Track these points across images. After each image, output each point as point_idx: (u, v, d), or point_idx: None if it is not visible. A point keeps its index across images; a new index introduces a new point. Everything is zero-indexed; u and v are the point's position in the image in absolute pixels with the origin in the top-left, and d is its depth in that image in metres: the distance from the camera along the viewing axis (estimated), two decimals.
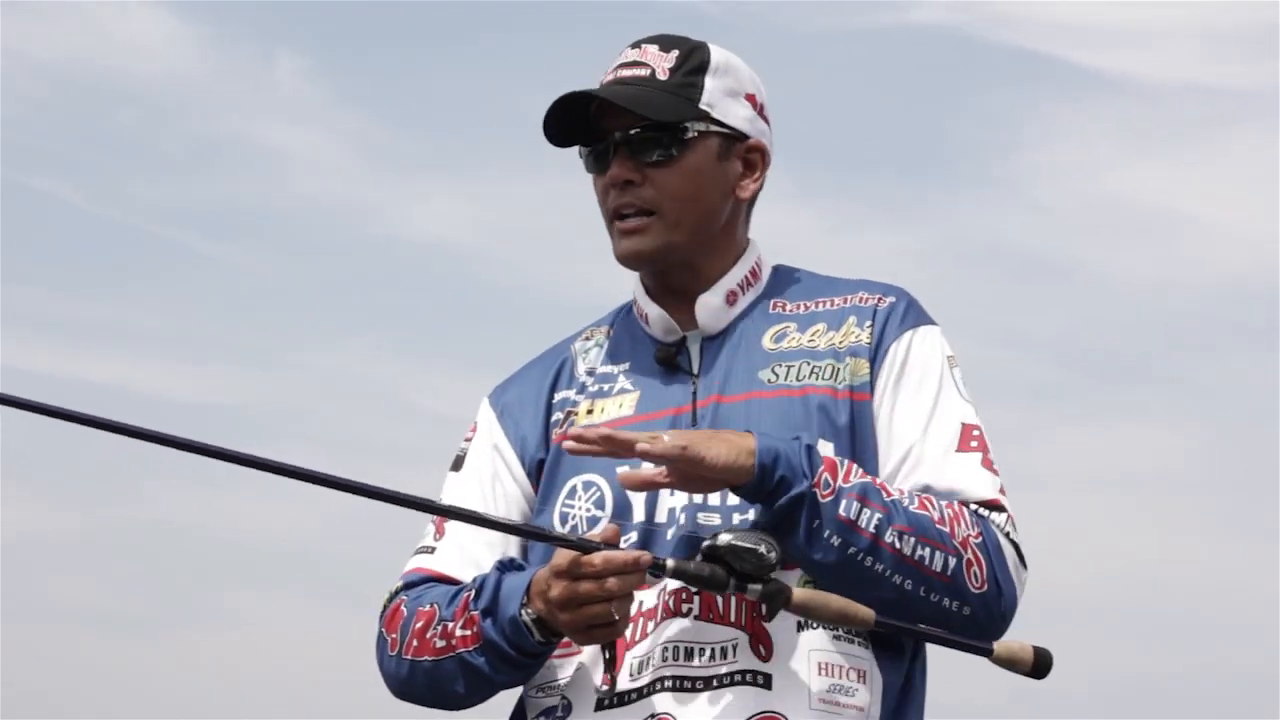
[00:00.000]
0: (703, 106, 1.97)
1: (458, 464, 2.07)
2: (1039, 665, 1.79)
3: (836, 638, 1.83)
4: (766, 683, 1.80)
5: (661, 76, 1.98)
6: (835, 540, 1.77)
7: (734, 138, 2.00)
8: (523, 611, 1.78)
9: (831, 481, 1.77)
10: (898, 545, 1.78)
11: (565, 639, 1.82)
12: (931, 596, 1.80)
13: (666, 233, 1.96)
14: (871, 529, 1.78)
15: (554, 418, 2.01)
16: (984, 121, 7.02)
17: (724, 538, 1.74)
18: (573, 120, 1.97)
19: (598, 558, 1.70)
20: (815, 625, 1.82)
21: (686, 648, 1.83)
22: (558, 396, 2.03)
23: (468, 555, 1.95)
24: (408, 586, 1.97)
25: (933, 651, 1.92)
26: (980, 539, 1.83)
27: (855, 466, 1.83)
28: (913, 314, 1.99)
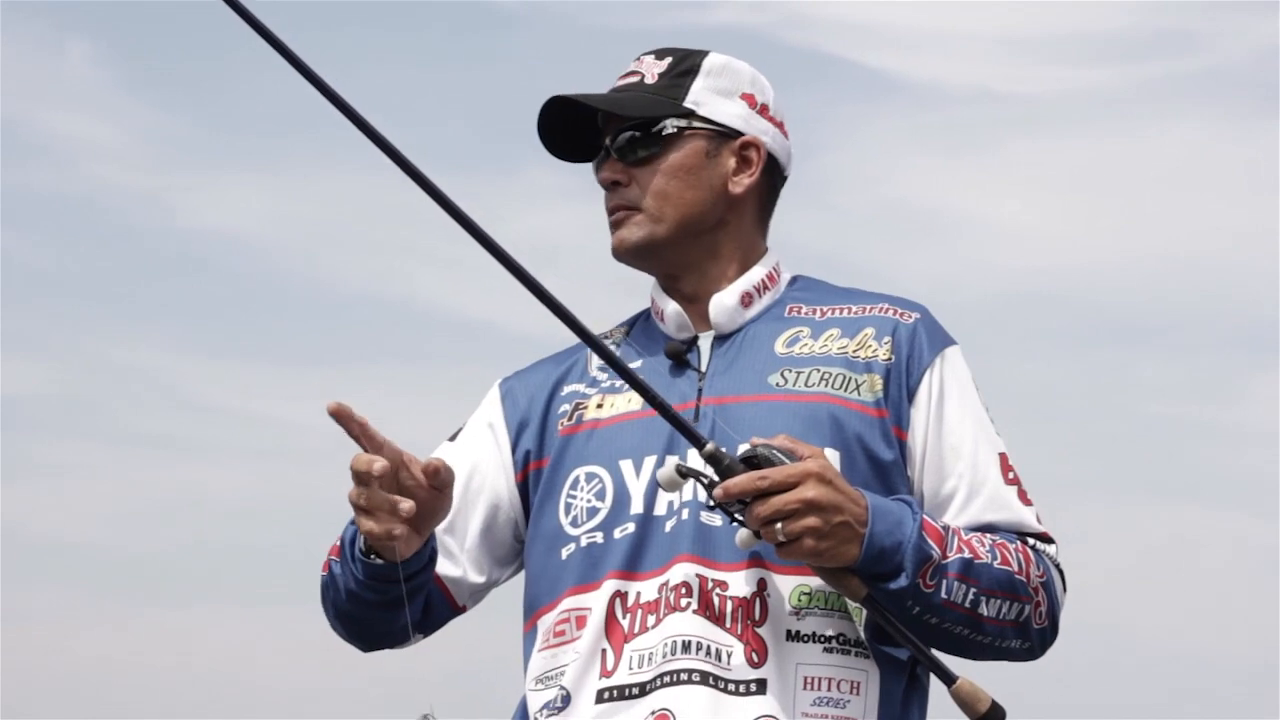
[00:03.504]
0: (687, 104, 2.00)
1: (454, 436, 2.10)
2: (990, 714, 1.80)
3: (829, 650, 1.85)
4: (761, 688, 1.82)
5: (649, 81, 2.03)
6: (932, 620, 1.82)
7: (725, 134, 2.02)
8: (352, 534, 1.86)
9: (936, 559, 1.80)
10: (985, 610, 1.84)
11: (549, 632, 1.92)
12: (999, 641, 1.88)
13: (649, 226, 1.99)
14: (967, 605, 1.82)
15: (560, 409, 2.02)
16: None
17: (762, 450, 1.77)
18: (586, 136, 2.03)
19: (359, 460, 1.73)
20: (805, 638, 1.85)
21: (684, 641, 1.84)
22: (566, 389, 2.04)
23: None
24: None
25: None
26: (1044, 578, 1.90)
27: (954, 534, 1.85)
28: (937, 336, 2.00)
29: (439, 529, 1.93)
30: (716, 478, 1.77)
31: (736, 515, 1.78)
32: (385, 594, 1.86)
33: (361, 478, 1.71)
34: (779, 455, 1.77)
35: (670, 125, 2.00)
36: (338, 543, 1.92)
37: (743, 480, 1.74)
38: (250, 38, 1.81)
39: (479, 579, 2.04)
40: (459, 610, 2.06)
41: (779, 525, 1.74)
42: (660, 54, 2.07)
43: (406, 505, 1.72)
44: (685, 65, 2.04)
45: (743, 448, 1.79)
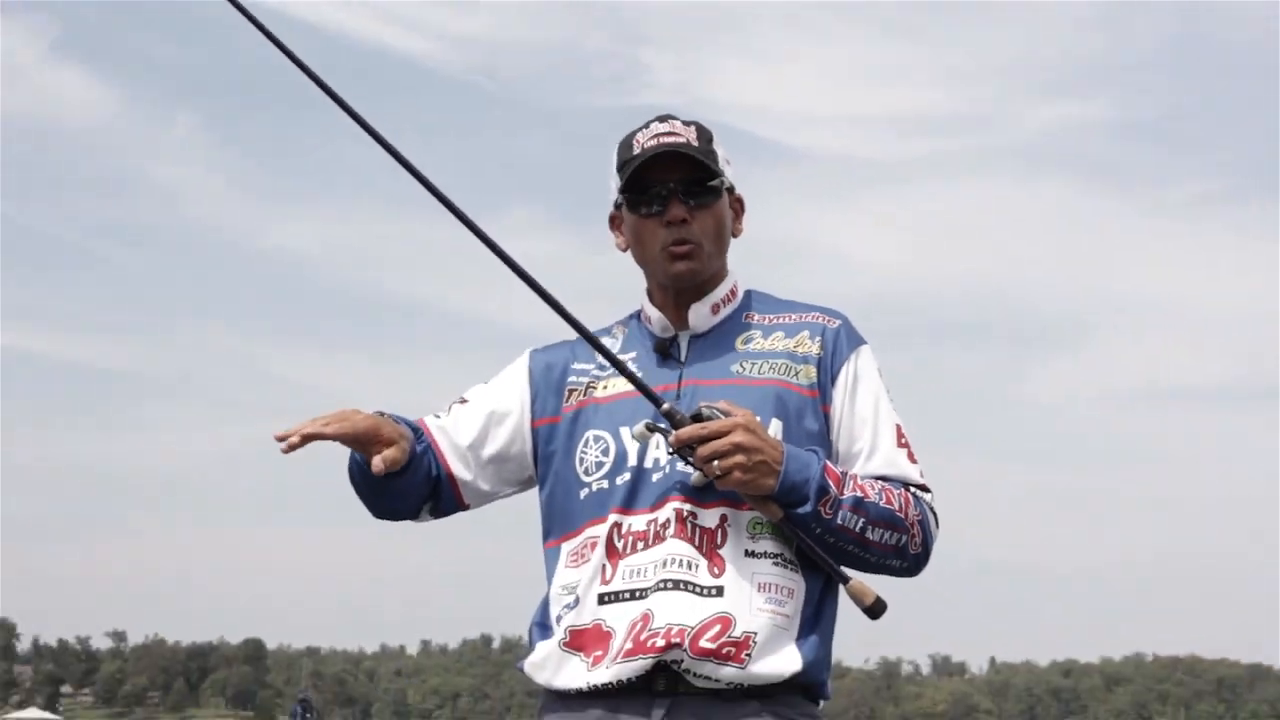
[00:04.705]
0: (720, 166, 2.44)
1: (488, 380, 2.54)
2: (874, 608, 2.28)
3: (776, 564, 2.30)
4: (717, 592, 2.26)
5: (695, 143, 2.43)
6: (830, 539, 2.27)
7: (730, 190, 2.48)
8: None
9: (833, 494, 2.25)
10: (871, 536, 2.29)
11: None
12: (882, 560, 2.34)
13: (707, 259, 2.44)
14: (857, 530, 2.28)
15: (570, 380, 2.47)
16: None
17: (705, 409, 2.22)
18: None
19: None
20: (756, 555, 2.30)
21: (663, 558, 2.28)
22: (577, 366, 2.47)
23: (448, 428, 2.51)
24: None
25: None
26: (920, 517, 2.37)
27: (850, 477, 2.30)
28: (853, 337, 2.45)
29: (462, 442, 2.46)
30: (673, 429, 2.23)
31: (689, 458, 2.23)
32: (372, 482, 2.38)
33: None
34: (718, 412, 2.23)
35: (724, 182, 2.44)
36: None
37: (689, 430, 2.21)
38: (316, 105, 2.28)
39: (485, 487, 2.51)
40: (464, 506, 2.54)
41: (715, 463, 2.20)
42: (685, 121, 2.46)
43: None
44: (707, 133, 2.45)
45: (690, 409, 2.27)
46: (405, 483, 2.40)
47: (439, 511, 2.51)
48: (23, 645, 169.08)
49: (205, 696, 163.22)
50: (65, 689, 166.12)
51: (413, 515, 2.49)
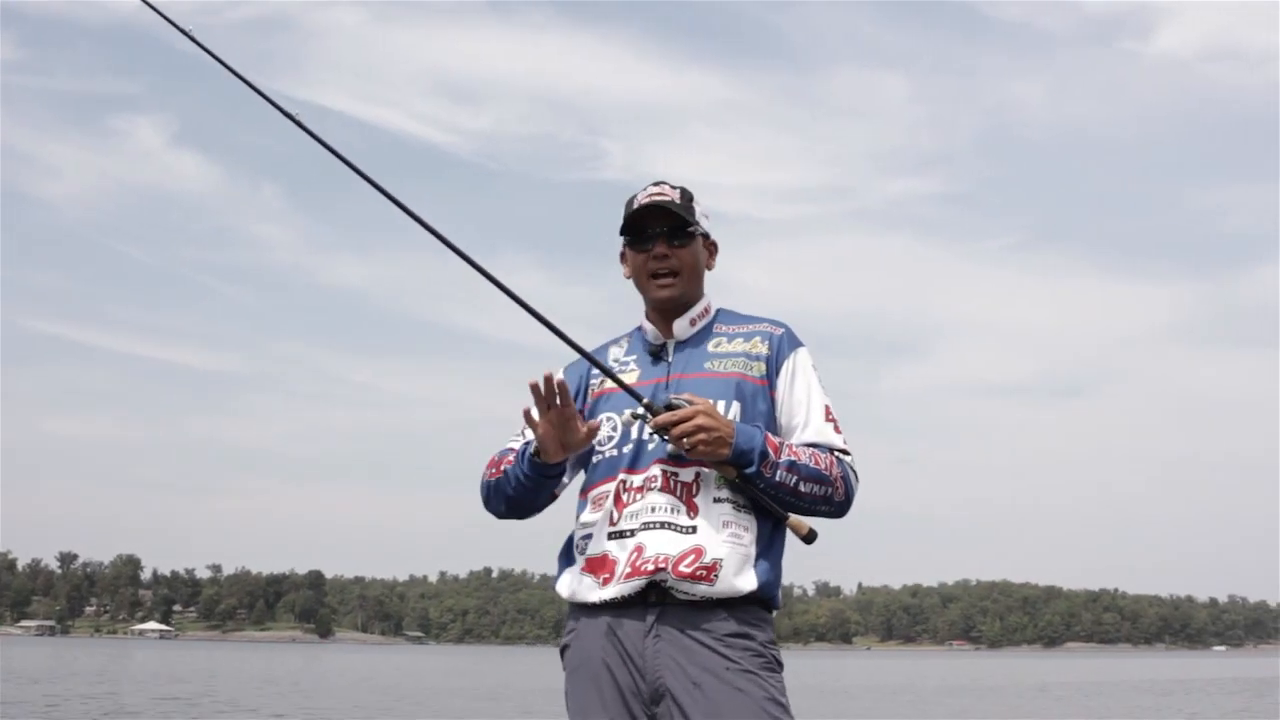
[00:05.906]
0: (697, 218, 2.43)
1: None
2: (808, 536, 2.27)
3: (735, 508, 2.27)
4: (693, 530, 2.25)
5: (676, 200, 2.42)
6: (771, 491, 2.26)
7: (705, 236, 2.46)
8: (529, 446, 2.30)
9: (772, 458, 2.23)
10: (803, 489, 2.28)
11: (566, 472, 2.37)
12: (813, 505, 2.31)
13: (683, 286, 2.41)
14: (791, 484, 2.26)
15: (592, 380, 2.45)
16: None
17: (675, 400, 2.22)
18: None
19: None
20: (721, 501, 2.27)
21: (653, 505, 2.27)
22: (596, 369, 2.40)
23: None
24: (501, 451, 2.45)
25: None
26: (842, 474, 2.33)
27: (786, 445, 2.28)
28: (794, 341, 2.42)
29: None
30: (652, 417, 2.24)
31: (664, 437, 2.24)
32: (539, 481, 2.32)
33: (547, 400, 2.21)
34: (684, 403, 2.22)
35: (696, 229, 2.42)
36: (499, 460, 2.37)
37: (664, 416, 2.22)
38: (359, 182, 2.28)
39: (566, 480, 2.42)
40: (553, 496, 2.44)
41: (684, 440, 2.20)
42: (672, 186, 2.45)
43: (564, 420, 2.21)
44: (687, 195, 2.45)
45: (667, 399, 2.25)
46: (562, 473, 2.38)
47: (549, 503, 2.44)
48: (145, 575, 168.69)
49: (279, 613, 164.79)
50: (176, 608, 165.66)
51: (541, 509, 2.43)
